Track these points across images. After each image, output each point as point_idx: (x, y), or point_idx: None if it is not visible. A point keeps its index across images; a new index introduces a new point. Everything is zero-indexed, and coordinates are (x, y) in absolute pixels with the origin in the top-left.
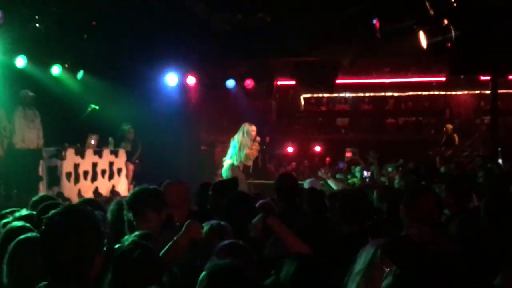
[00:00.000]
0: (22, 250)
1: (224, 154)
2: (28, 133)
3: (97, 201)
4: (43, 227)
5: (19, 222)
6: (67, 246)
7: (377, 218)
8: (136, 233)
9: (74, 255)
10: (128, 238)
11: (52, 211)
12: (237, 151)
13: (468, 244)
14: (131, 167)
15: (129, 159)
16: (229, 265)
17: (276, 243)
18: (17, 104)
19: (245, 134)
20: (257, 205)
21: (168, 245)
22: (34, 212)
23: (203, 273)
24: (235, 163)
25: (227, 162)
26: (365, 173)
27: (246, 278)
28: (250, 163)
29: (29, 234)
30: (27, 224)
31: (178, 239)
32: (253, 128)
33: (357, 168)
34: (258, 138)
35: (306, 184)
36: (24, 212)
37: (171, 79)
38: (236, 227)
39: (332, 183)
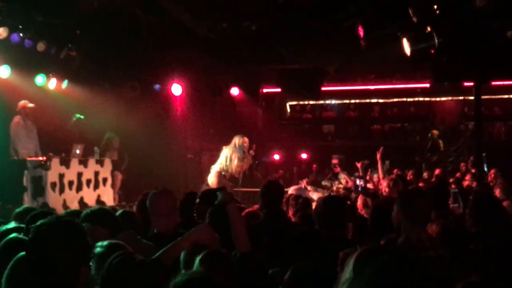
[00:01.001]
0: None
1: (211, 162)
2: (28, 143)
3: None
4: (30, 238)
5: (14, 234)
6: (53, 257)
7: (363, 225)
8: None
9: (60, 267)
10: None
11: (39, 222)
12: (227, 161)
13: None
14: (120, 176)
15: (117, 168)
16: (191, 278)
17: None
18: (15, 114)
19: (236, 146)
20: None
21: (171, 243)
22: (23, 225)
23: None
24: (223, 171)
25: (214, 169)
26: (358, 181)
27: None
28: (239, 174)
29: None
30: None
31: (183, 240)
32: (245, 140)
33: (343, 175)
34: (252, 152)
35: (290, 191)
36: (12, 225)
37: (157, 87)
38: (220, 236)
39: (314, 196)
